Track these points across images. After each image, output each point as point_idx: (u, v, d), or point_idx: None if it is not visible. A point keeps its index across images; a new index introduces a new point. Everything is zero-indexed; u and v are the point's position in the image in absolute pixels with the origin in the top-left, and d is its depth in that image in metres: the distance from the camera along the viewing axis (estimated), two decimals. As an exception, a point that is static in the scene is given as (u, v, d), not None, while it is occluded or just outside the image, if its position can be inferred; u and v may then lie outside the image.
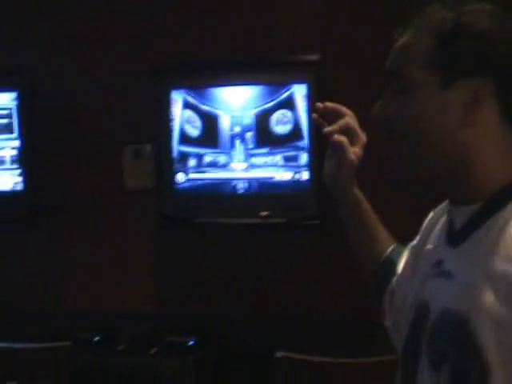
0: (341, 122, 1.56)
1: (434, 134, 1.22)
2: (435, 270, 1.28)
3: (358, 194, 1.62)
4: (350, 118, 1.57)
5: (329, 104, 1.59)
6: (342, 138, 1.53)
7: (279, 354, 2.35)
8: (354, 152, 1.54)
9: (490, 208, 1.21)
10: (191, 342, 3.74)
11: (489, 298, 1.13)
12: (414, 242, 1.49)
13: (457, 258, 1.24)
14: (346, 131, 1.55)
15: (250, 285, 3.87)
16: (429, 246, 1.36)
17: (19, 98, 4.05)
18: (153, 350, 3.71)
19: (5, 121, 4.08)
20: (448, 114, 1.21)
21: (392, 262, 1.56)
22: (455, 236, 1.26)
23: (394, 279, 1.53)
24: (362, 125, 1.44)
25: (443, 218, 1.35)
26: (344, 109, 1.58)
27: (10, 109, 4.06)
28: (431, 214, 1.44)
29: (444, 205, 1.38)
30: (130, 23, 4.02)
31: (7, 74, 4.13)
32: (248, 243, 3.80)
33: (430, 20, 1.24)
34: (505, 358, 1.10)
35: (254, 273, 3.84)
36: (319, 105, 1.60)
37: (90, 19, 4.10)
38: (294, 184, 3.67)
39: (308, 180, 3.64)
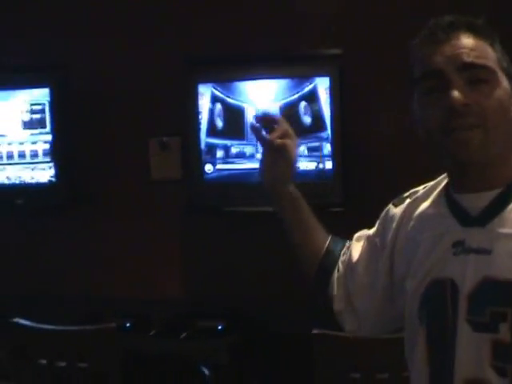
0: (281, 128, 1.77)
1: (507, 120, 1.44)
2: (455, 250, 1.45)
3: (296, 191, 1.83)
4: (285, 124, 1.79)
5: (266, 114, 1.83)
6: (287, 141, 1.75)
7: (316, 331, 2.49)
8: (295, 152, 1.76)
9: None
10: (220, 326, 3.85)
11: None
12: (373, 231, 1.71)
13: (488, 236, 1.42)
14: (286, 135, 1.76)
15: (276, 269, 3.96)
16: (427, 233, 1.52)
17: (52, 94, 4.13)
18: (183, 335, 3.81)
19: (38, 116, 4.15)
20: None
21: (333, 253, 1.77)
22: (476, 218, 1.45)
23: (341, 267, 1.75)
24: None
25: (426, 209, 1.56)
26: (278, 116, 1.82)
27: (43, 104, 4.14)
28: (394, 209, 1.65)
29: (412, 200, 1.60)
30: (161, 18, 4.11)
31: (40, 70, 4.22)
32: (274, 230, 3.86)
33: (479, 28, 1.48)
34: None
35: (279, 258, 3.94)
36: (258, 115, 1.81)
37: (120, 14, 4.20)
38: (318, 173, 3.75)
39: (331, 169, 3.72)
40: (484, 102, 1.41)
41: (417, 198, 1.61)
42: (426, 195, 1.59)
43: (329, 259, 1.78)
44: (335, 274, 1.76)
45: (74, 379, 2.81)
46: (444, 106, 1.41)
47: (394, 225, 1.63)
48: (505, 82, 1.45)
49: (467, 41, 1.44)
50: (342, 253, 1.79)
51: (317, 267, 1.79)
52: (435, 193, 1.57)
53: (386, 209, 1.69)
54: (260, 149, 3.73)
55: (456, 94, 1.40)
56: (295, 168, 1.80)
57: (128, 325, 3.95)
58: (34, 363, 2.84)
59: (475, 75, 1.42)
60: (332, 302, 1.75)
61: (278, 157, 1.76)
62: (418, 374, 1.51)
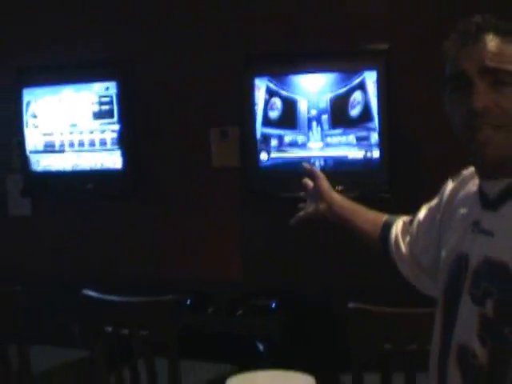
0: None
1: None
2: (473, 227, 1.58)
3: (342, 203, 2.15)
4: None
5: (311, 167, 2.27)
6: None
7: (351, 305, 2.69)
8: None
9: None
10: (273, 305, 3.99)
11: None
12: (434, 202, 1.84)
13: (495, 219, 1.53)
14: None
15: (326, 251, 4.12)
16: (462, 210, 1.66)
17: (119, 86, 4.34)
18: (239, 312, 3.98)
19: (107, 107, 4.37)
20: None
21: (390, 223, 2.00)
22: (492, 203, 1.55)
23: (404, 227, 1.95)
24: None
25: (468, 187, 1.68)
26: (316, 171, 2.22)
27: (111, 96, 4.35)
28: (451, 183, 1.76)
29: (463, 176, 1.72)
30: (222, 16, 4.31)
31: (109, 64, 4.47)
32: None
33: (506, 30, 1.52)
34: None
35: (330, 241, 4.09)
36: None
37: (184, 12, 4.40)
38: (366, 161, 3.87)
39: (378, 158, 3.84)
40: (505, 104, 1.47)
41: (465, 176, 1.71)
42: (471, 176, 1.67)
43: (385, 229, 2.00)
44: (392, 237, 1.97)
45: (135, 346, 3.06)
46: (466, 107, 1.49)
47: (445, 198, 1.76)
48: None
49: (492, 44, 1.49)
50: (401, 219, 1.99)
51: (379, 241, 2.01)
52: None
53: (445, 183, 1.81)
54: (312, 137, 3.95)
55: (477, 97, 1.47)
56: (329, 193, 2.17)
57: (188, 302, 4.12)
58: (100, 330, 3.11)
59: (498, 78, 1.48)
60: (395, 263, 1.96)
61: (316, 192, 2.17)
62: (434, 340, 1.66)
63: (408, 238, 1.93)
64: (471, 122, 1.48)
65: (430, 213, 1.85)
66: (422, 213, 1.89)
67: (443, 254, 1.68)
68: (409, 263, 1.91)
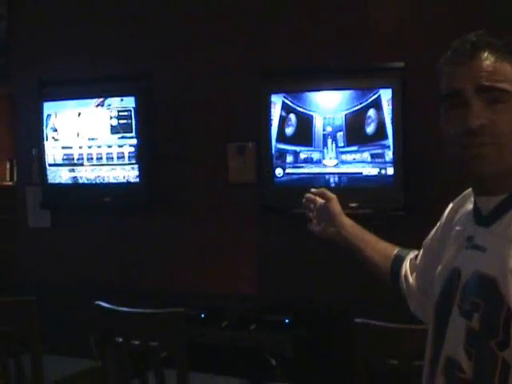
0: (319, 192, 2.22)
1: None
2: (466, 243, 1.59)
3: (352, 229, 2.13)
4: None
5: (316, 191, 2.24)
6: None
7: (358, 320, 2.71)
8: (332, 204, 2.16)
9: None
10: (287, 320, 4.03)
11: None
12: (431, 235, 1.86)
13: (487, 235, 1.54)
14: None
15: (341, 267, 4.03)
16: (457, 228, 1.69)
17: (137, 101, 4.39)
18: (252, 327, 4.02)
19: (125, 121, 4.42)
20: None
21: (401, 258, 2.01)
22: (485, 219, 1.57)
23: (411, 263, 1.96)
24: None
25: (466, 206, 1.69)
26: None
27: (129, 111, 4.40)
28: (451, 205, 1.78)
29: (462, 196, 1.74)
30: (237, 34, 4.37)
31: (127, 80, 4.54)
32: None
33: (501, 48, 1.52)
34: None
35: (344, 257, 4.11)
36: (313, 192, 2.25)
37: (200, 29, 4.47)
38: (380, 178, 3.89)
39: (392, 175, 3.86)
40: (499, 122, 1.48)
41: (464, 195, 1.72)
42: (470, 194, 1.67)
43: (398, 262, 2.01)
44: (402, 271, 1.97)
45: (145, 358, 3.10)
46: (462, 125, 1.49)
47: (444, 220, 1.78)
48: None
49: (487, 63, 1.50)
50: (412, 253, 2.00)
51: (389, 272, 2.03)
52: None
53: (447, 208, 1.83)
54: (327, 154, 3.97)
55: (472, 116, 1.48)
56: (339, 216, 2.16)
57: (202, 316, 4.17)
58: (111, 341, 3.15)
59: (493, 96, 1.49)
60: (404, 294, 1.96)
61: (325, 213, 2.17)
62: (426, 352, 1.68)
63: (415, 274, 1.94)
64: (466, 140, 1.49)
65: (430, 240, 1.87)
66: (427, 243, 1.90)
67: (438, 269, 1.70)
68: (418, 298, 1.91)
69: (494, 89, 1.50)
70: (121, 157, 4.48)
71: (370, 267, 2.09)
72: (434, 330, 1.66)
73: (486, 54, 1.51)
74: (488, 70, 1.50)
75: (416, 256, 1.95)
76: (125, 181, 4.50)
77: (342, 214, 2.15)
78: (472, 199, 1.66)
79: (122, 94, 4.47)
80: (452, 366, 1.53)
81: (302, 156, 4.09)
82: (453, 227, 1.71)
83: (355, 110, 3.94)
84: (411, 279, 1.95)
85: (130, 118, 4.43)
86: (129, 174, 4.48)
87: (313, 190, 2.26)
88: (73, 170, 4.62)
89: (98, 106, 4.51)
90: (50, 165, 4.67)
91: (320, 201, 2.19)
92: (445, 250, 1.71)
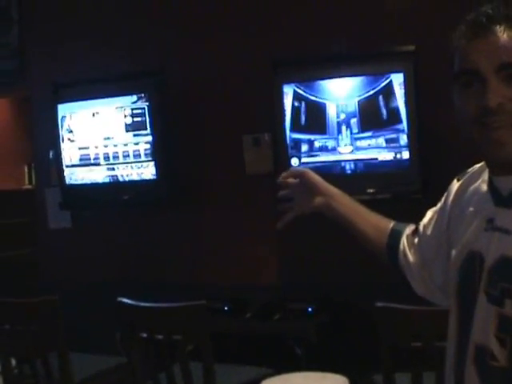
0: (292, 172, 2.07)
1: None
2: (485, 226, 1.51)
3: (341, 199, 1.95)
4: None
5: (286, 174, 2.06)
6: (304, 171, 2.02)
7: (379, 304, 2.72)
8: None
9: None
10: (310, 309, 4.04)
11: None
12: (439, 204, 1.75)
13: (511, 217, 1.47)
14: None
15: (364, 255, 4.13)
16: (472, 208, 1.60)
17: (151, 98, 4.41)
18: (276, 317, 4.03)
19: (139, 119, 4.44)
20: None
21: (398, 233, 1.87)
22: (506, 199, 1.49)
23: (409, 239, 1.84)
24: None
25: (476, 185, 1.61)
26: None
27: (143, 108, 4.42)
28: (457, 183, 1.69)
29: (470, 174, 1.65)
30: (248, 26, 4.38)
31: (140, 76, 4.55)
32: None
33: None
34: None
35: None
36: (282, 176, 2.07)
37: (211, 23, 4.49)
38: (396, 163, 3.89)
39: (408, 159, 3.87)
40: None
41: (473, 173, 1.64)
42: (480, 172, 1.60)
43: (394, 236, 1.87)
44: (401, 247, 1.85)
45: (169, 351, 3.13)
46: (479, 104, 1.42)
47: (452, 198, 1.67)
48: None
49: (504, 38, 1.41)
50: (408, 228, 1.87)
51: (385, 246, 1.89)
52: (486, 171, 1.57)
53: (451, 183, 1.73)
54: (341, 141, 3.97)
55: (491, 95, 1.40)
56: (322, 184, 1.97)
57: (226, 308, 4.18)
58: (136, 337, 3.18)
59: (511, 74, 1.41)
60: (403, 271, 1.85)
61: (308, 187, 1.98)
62: (450, 340, 1.61)
63: (413, 250, 1.85)
64: (484, 119, 1.42)
65: (436, 215, 1.77)
66: (427, 217, 1.81)
67: (453, 252, 1.62)
68: (418, 275, 1.83)
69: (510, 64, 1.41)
70: (137, 154, 4.50)
71: (362, 241, 1.94)
72: (458, 319, 1.58)
73: (502, 28, 1.42)
74: (506, 45, 1.41)
75: (413, 232, 1.84)
76: (142, 178, 4.52)
77: (325, 183, 1.97)
78: (484, 178, 1.58)
79: (135, 91, 4.48)
80: (483, 354, 1.47)
81: (317, 144, 4.10)
82: (465, 206, 1.63)
83: (368, 96, 3.94)
84: (410, 256, 1.84)
85: (144, 116, 4.45)
86: (146, 171, 4.51)
87: (278, 181, 2.10)
88: (90, 170, 4.65)
89: (111, 104, 4.53)
90: (68, 166, 4.71)
91: (294, 181, 2.02)
92: (459, 230, 1.63)
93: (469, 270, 1.54)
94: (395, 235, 1.88)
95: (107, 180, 4.62)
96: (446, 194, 1.72)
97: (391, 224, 1.91)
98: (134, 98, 4.48)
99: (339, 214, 1.94)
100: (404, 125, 3.88)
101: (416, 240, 1.82)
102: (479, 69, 1.43)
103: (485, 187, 1.57)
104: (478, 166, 1.64)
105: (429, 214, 1.80)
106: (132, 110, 4.48)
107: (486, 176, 1.58)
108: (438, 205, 1.76)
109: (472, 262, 1.53)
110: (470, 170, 1.67)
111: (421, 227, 1.81)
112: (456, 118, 1.51)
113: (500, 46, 1.41)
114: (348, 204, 1.95)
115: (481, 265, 1.50)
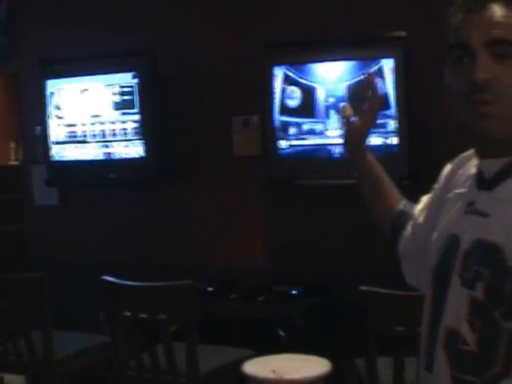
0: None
1: None
2: (465, 208, 1.51)
3: (373, 158, 1.94)
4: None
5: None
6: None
7: (363, 288, 2.73)
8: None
9: None
10: (295, 291, 4.05)
11: None
12: (437, 185, 1.72)
13: (490, 200, 1.46)
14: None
15: (350, 239, 4.15)
16: (457, 190, 1.59)
17: (139, 77, 4.38)
18: (261, 298, 4.04)
19: (128, 97, 4.41)
20: None
21: (406, 214, 1.82)
22: (487, 182, 1.48)
23: (411, 224, 1.80)
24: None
25: (465, 168, 1.60)
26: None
27: (132, 87, 4.40)
28: (449, 166, 1.68)
29: (461, 158, 1.64)
30: (239, 7, 4.35)
31: (129, 55, 4.51)
32: (343, 202, 4.05)
33: None
34: None
35: (349, 228, 4.14)
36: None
37: (201, 3, 4.46)
38: (385, 148, 3.88)
39: (396, 144, 3.86)
40: (506, 80, 1.40)
41: (464, 157, 1.63)
42: (471, 156, 1.59)
43: (401, 219, 1.84)
44: (404, 232, 1.82)
45: (153, 331, 3.13)
46: (467, 79, 1.41)
47: (442, 182, 1.67)
48: None
49: (498, 13, 1.40)
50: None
51: (390, 225, 1.87)
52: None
53: (444, 168, 1.72)
54: (330, 125, 3.96)
55: (479, 69, 1.39)
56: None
57: (210, 289, 4.17)
58: (121, 316, 3.18)
59: (502, 50, 1.40)
60: (399, 257, 1.83)
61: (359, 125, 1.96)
62: (423, 323, 1.58)
63: (408, 236, 1.82)
64: (473, 97, 1.41)
65: (429, 201, 1.75)
66: (421, 204, 1.79)
67: (434, 235, 1.61)
68: (409, 260, 1.81)
69: (505, 42, 1.40)
70: (124, 133, 4.48)
71: (373, 209, 1.92)
72: (432, 302, 1.56)
73: (498, 5, 1.41)
74: (500, 21, 1.40)
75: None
76: (130, 156, 4.50)
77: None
78: (473, 163, 1.57)
79: (124, 69, 4.46)
80: (454, 338, 1.46)
81: (305, 128, 4.09)
82: (451, 189, 1.62)
83: (357, 81, 3.90)
84: (409, 240, 1.82)
85: (133, 94, 4.42)
86: (133, 149, 4.49)
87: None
88: (77, 148, 4.62)
89: (100, 82, 4.50)
90: (55, 143, 4.68)
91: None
92: (442, 213, 1.62)
93: (446, 253, 1.52)
94: (402, 217, 1.84)
95: (94, 158, 4.59)
96: (438, 180, 1.71)
97: (402, 204, 1.88)
98: (124, 75, 4.45)
99: (370, 172, 1.93)
100: (393, 110, 3.87)
101: (410, 227, 1.81)
102: (470, 43, 1.41)
103: (473, 170, 1.56)
104: (470, 151, 1.61)
105: (424, 199, 1.79)
106: (121, 87, 4.45)
107: (475, 161, 1.56)
108: (437, 185, 1.74)
109: (449, 244, 1.52)
110: (462, 154, 1.65)
111: (416, 213, 1.79)
112: (446, 96, 1.49)
113: (493, 21, 1.40)
114: (379, 167, 1.94)
115: (457, 248, 1.49)
